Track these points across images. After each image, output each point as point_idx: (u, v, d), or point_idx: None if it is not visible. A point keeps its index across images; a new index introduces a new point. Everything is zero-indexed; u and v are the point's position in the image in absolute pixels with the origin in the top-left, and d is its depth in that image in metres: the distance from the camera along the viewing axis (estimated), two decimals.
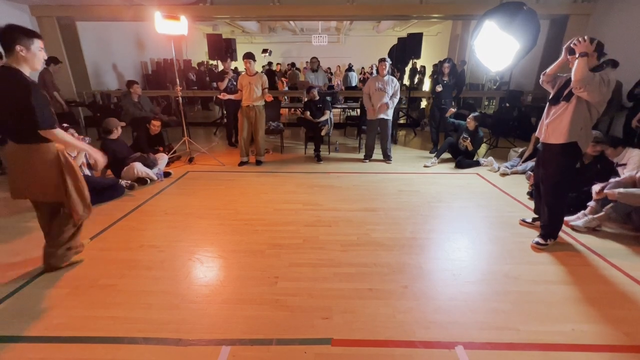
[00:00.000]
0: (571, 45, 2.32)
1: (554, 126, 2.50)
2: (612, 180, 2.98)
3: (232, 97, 4.88)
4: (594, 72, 2.26)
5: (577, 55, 2.26)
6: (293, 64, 12.86)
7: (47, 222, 2.29)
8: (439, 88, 5.37)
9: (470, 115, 4.81)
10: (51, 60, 5.74)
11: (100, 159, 2.37)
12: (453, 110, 5.20)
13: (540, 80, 2.68)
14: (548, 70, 2.60)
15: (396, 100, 4.90)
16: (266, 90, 4.65)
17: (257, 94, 4.57)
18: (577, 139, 2.40)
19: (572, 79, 2.27)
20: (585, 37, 2.26)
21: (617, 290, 2.19)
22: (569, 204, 3.21)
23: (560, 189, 2.58)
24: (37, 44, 1.99)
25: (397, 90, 4.81)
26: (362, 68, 14.89)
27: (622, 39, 5.31)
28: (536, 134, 2.75)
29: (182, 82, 8.74)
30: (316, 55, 7.08)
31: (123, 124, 4.15)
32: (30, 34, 1.97)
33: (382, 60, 4.77)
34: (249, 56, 4.52)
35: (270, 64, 12.05)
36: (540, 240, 2.68)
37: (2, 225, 3.05)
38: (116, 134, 4.01)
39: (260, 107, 4.68)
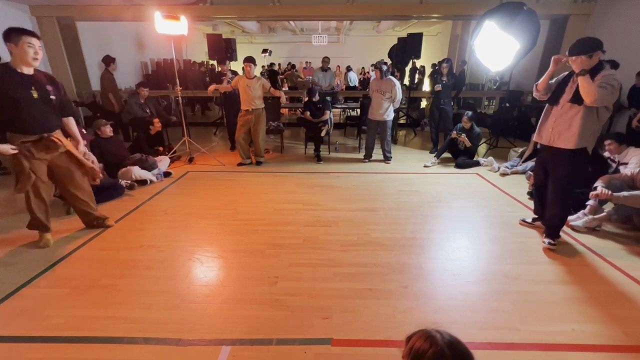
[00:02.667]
0: (565, 61, 2.32)
1: (560, 130, 2.43)
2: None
3: (219, 87, 4.94)
4: (596, 71, 2.23)
5: (575, 76, 2.25)
6: (293, 66, 12.88)
7: None
8: (437, 88, 5.37)
9: (464, 117, 4.79)
10: (104, 61, 5.94)
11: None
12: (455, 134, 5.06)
13: (535, 95, 2.63)
14: (540, 83, 2.54)
15: (397, 104, 4.89)
16: (271, 89, 4.67)
17: (255, 96, 4.57)
18: (587, 144, 2.39)
19: (585, 100, 2.24)
20: (579, 56, 2.24)
21: (617, 290, 2.20)
22: None
23: (569, 191, 2.59)
24: (26, 40, 2.21)
25: (397, 92, 4.74)
26: (362, 68, 14.90)
27: (622, 39, 5.31)
28: (534, 138, 2.69)
29: (182, 82, 8.73)
30: (316, 55, 7.08)
31: (108, 123, 4.10)
32: (20, 32, 2.21)
33: (375, 67, 4.79)
34: (249, 60, 4.53)
35: (272, 64, 12.06)
36: (552, 241, 2.67)
37: (2, 225, 3.05)
38: (105, 133, 3.99)
39: (260, 109, 4.68)
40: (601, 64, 2.28)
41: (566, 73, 2.49)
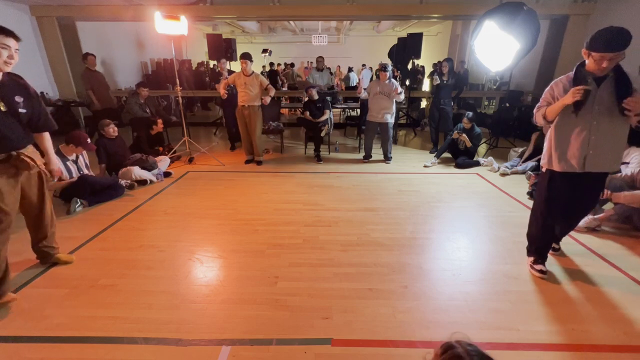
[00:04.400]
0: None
1: (600, 151, 1.99)
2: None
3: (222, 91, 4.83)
4: (621, 73, 1.90)
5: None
6: (292, 64, 12.88)
7: None
8: (436, 81, 5.36)
9: (465, 119, 4.80)
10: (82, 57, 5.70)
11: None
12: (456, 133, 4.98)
13: (539, 123, 2.14)
14: (549, 113, 2.03)
15: (402, 97, 4.79)
16: (270, 87, 4.63)
17: (252, 94, 4.56)
18: None
19: None
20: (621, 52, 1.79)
21: (617, 290, 2.19)
22: None
23: None
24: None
25: (400, 90, 4.74)
26: (363, 65, 14.90)
27: None
28: (554, 167, 2.12)
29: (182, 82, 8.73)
30: (316, 55, 7.09)
31: (112, 123, 4.09)
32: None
33: (383, 70, 4.71)
34: (245, 56, 4.53)
35: (271, 64, 12.09)
36: (557, 245, 2.60)
37: None
38: (109, 133, 3.99)
39: (256, 107, 4.68)
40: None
41: (570, 77, 2.02)
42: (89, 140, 3.45)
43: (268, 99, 4.66)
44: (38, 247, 2.41)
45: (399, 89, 4.72)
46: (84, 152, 3.59)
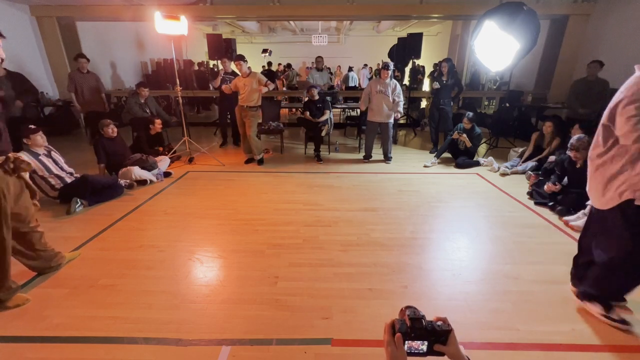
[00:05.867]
0: None
1: None
2: None
3: (225, 89, 4.87)
4: None
5: None
6: (289, 65, 12.88)
7: None
8: (435, 85, 5.37)
9: (465, 119, 4.80)
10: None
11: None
12: (457, 134, 4.95)
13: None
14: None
15: (401, 108, 4.84)
16: (268, 83, 4.62)
17: (251, 94, 4.58)
18: None
19: None
20: None
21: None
22: (569, 204, 3.20)
23: None
24: None
25: (399, 93, 4.76)
26: (365, 65, 14.89)
27: (621, 39, 5.31)
28: (628, 194, 1.60)
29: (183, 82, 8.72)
30: (316, 55, 7.09)
31: (112, 122, 4.06)
32: None
33: (386, 68, 4.70)
34: (238, 58, 4.56)
35: (270, 64, 12.09)
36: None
37: None
38: (108, 133, 3.97)
39: (255, 107, 4.68)
40: None
41: None
42: (31, 126, 3.26)
43: (264, 89, 4.58)
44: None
45: (399, 97, 4.73)
46: (55, 150, 3.48)
